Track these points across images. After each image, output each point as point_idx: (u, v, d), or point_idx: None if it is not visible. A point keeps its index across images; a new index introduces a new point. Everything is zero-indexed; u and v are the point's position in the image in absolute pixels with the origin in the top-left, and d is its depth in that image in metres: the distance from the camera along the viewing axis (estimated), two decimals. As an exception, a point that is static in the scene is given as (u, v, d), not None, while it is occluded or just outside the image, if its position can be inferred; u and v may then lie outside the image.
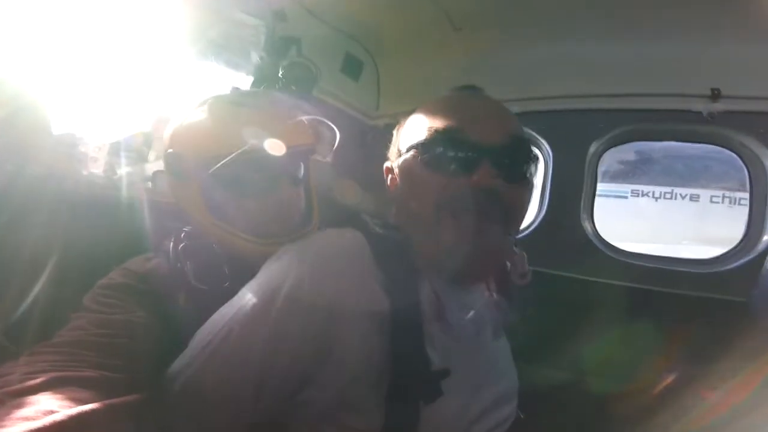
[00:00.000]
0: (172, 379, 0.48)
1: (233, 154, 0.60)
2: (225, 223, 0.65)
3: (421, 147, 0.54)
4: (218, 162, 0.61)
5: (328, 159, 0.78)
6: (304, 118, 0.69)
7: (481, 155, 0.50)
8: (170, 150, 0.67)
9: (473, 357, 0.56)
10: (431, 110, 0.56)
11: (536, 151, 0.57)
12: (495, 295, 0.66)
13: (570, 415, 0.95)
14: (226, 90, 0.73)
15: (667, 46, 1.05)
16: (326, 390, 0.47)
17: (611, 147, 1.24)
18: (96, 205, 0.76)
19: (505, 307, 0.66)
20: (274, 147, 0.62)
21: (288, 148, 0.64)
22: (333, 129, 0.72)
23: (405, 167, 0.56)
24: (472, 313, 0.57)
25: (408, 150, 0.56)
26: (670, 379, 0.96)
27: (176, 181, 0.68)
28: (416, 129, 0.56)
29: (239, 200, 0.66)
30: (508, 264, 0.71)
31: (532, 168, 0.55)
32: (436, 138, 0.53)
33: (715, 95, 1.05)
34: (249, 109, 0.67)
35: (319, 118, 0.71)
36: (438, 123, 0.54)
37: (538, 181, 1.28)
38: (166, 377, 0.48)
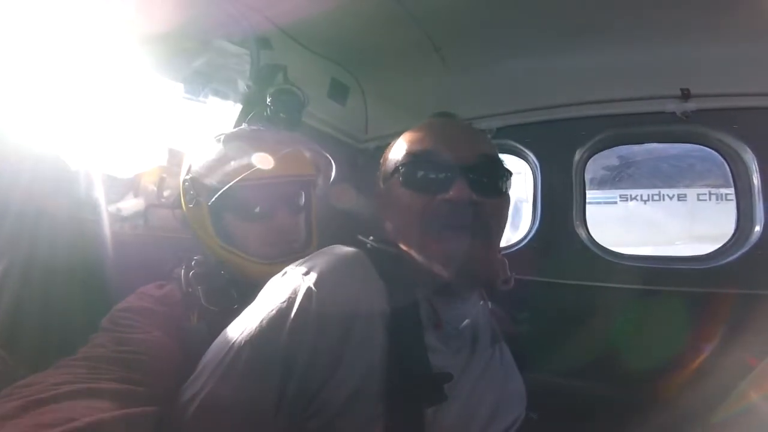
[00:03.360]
0: (183, 406, 0.48)
1: (232, 182, 0.67)
2: (229, 244, 0.72)
3: (401, 171, 0.59)
4: (223, 188, 0.68)
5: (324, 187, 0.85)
6: (304, 151, 0.77)
7: (455, 173, 0.55)
8: (187, 177, 0.75)
9: (472, 364, 0.58)
10: (408, 137, 0.62)
11: (508, 166, 0.60)
12: (489, 303, 0.69)
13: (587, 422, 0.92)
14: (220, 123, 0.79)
15: (637, 50, 1.10)
16: (333, 398, 0.47)
17: (595, 153, 1.28)
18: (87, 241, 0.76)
19: (500, 312, 0.69)
20: (272, 176, 0.71)
21: (286, 177, 0.73)
22: (330, 161, 0.80)
23: (390, 191, 0.61)
24: (466, 321, 0.60)
25: (391, 175, 0.61)
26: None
27: (190, 206, 0.75)
28: (396, 155, 0.61)
29: (241, 224, 0.73)
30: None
31: (506, 183, 0.60)
32: (413, 161, 0.58)
33: (685, 95, 1.09)
34: (254, 142, 0.74)
35: (319, 150, 0.79)
36: (415, 148, 0.59)
37: (528, 193, 1.31)
38: (175, 406, 0.48)
